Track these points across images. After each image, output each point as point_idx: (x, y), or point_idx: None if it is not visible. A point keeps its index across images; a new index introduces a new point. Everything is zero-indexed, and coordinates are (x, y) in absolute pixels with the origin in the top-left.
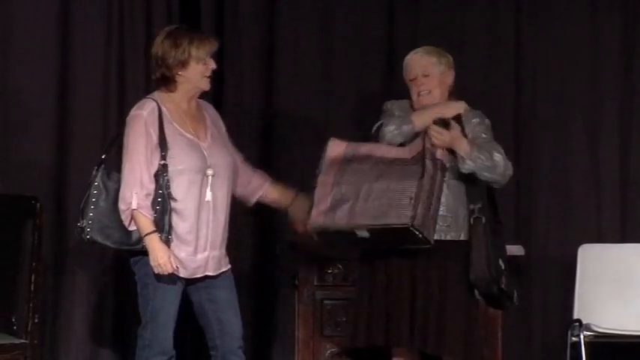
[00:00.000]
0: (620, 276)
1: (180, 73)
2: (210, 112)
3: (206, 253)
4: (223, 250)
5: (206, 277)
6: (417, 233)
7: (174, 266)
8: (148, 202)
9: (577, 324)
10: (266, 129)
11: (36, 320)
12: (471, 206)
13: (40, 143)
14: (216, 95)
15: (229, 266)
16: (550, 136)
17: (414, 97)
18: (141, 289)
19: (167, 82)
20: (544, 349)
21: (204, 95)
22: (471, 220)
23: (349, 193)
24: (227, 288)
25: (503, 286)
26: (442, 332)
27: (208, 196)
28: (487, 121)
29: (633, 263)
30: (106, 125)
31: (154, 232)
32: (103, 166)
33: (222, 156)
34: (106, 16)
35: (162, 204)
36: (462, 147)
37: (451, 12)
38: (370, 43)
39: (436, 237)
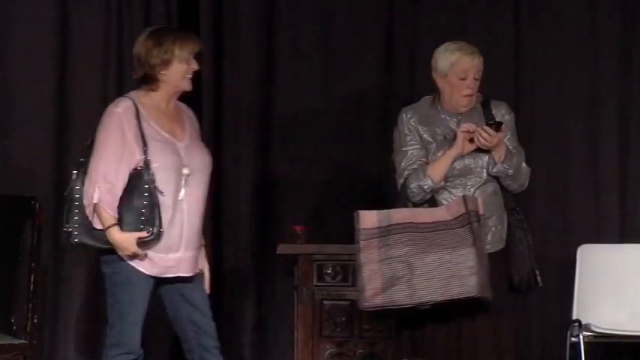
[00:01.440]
0: (620, 276)
1: (162, 72)
2: (188, 114)
3: (179, 254)
4: (199, 250)
5: (178, 277)
6: (481, 297)
7: (144, 235)
8: (111, 198)
9: (576, 324)
10: (265, 128)
11: (35, 320)
12: (511, 210)
13: (39, 144)
14: (215, 94)
15: (205, 264)
16: (549, 136)
17: (454, 94)
18: (109, 288)
19: (149, 81)
20: (543, 350)
21: (202, 95)
22: (513, 224)
23: (401, 269)
24: (199, 289)
25: (539, 281)
26: (499, 343)
27: (181, 194)
28: (513, 115)
29: (632, 264)
30: None
31: (113, 225)
32: (82, 169)
33: (199, 156)
34: (104, 16)
35: (150, 198)
36: (500, 153)
37: (450, 11)
38: (370, 43)
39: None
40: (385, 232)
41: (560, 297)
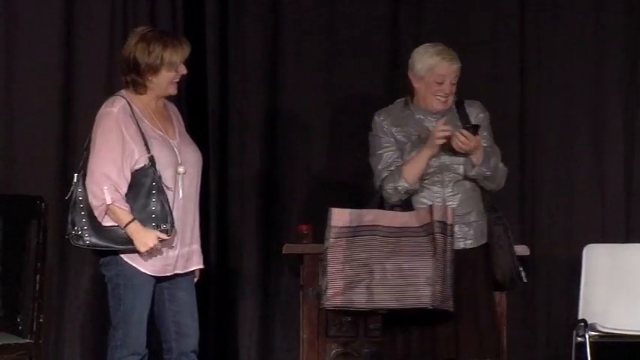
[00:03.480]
0: (625, 276)
1: (150, 78)
2: (173, 109)
3: (176, 251)
4: (193, 247)
5: (175, 275)
6: (438, 308)
7: (166, 237)
8: (119, 195)
9: (582, 324)
10: (269, 129)
11: (41, 320)
12: (488, 207)
13: (45, 144)
14: (221, 95)
15: (200, 266)
16: (554, 135)
17: (429, 96)
18: (112, 290)
19: (136, 85)
20: (549, 350)
21: (208, 99)
22: (491, 221)
23: (362, 272)
24: (188, 289)
25: (523, 278)
26: (480, 338)
27: (181, 194)
28: (487, 114)
29: (638, 263)
30: None
31: (133, 219)
32: (82, 171)
33: (191, 152)
34: (109, 15)
35: (158, 195)
36: (478, 155)
37: (455, 7)
38: (373, 43)
39: (465, 245)
40: (354, 232)
41: (566, 297)
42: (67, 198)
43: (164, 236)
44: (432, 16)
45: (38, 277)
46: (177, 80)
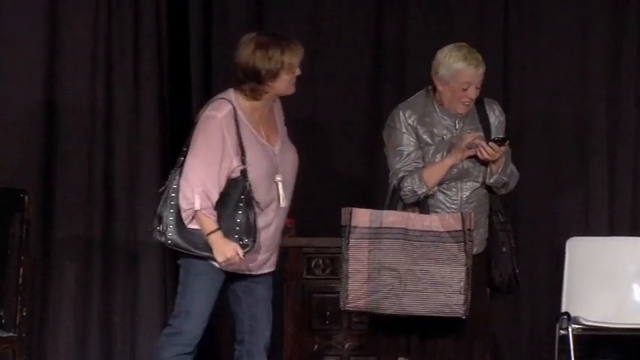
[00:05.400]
0: (608, 269)
1: (269, 83)
2: (278, 108)
3: (259, 255)
4: (275, 253)
5: (248, 275)
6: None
7: (242, 255)
8: (209, 203)
9: (565, 317)
10: None
11: (24, 313)
12: (495, 212)
13: (28, 137)
14: (204, 91)
15: (273, 268)
16: (538, 129)
17: (453, 101)
18: (183, 278)
19: (255, 92)
20: (532, 342)
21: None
22: (498, 226)
23: (388, 277)
24: (265, 284)
25: (518, 280)
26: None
27: (283, 202)
28: (504, 116)
29: (621, 256)
30: (94, 120)
31: (217, 229)
32: (179, 169)
33: (289, 159)
34: (93, 9)
35: (246, 208)
36: (499, 164)
37: (439, 5)
38: (358, 41)
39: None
40: (376, 234)
41: (549, 290)
42: (159, 191)
43: (241, 252)
44: (417, 13)
45: (21, 270)
46: (294, 82)
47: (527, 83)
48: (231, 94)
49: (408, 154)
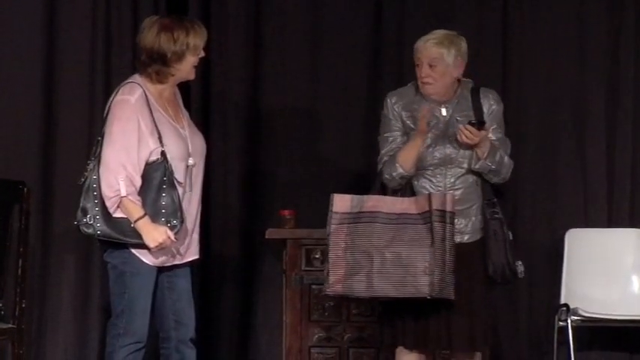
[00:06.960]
0: (607, 261)
1: (175, 66)
2: (177, 93)
3: (179, 242)
4: (194, 236)
5: (173, 265)
6: (437, 297)
7: (173, 237)
8: (133, 189)
9: (564, 309)
10: (253, 119)
11: (23, 305)
12: (487, 201)
13: (27, 128)
14: (203, 85)
15: (197, 256)
16: (537, 122)
17: (419, 81)
18: (116, 277)
19: (160, 75)
20: (531, 334)
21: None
22: (488, 215)
23: (363, 259)
24: (186, 277)
25: (519, 273)
26: (473, 331)
27: (190, 185)
28: (501, 106)
29: (620, 248)
30: (92, 111)
31: (144, 215)
32: (97, 159)
33: (198, 142)
34: (92, 2)
35: (169, 190)
36: (484, 149)
37: (438, 5)
38: (357, 34)
39: (462, 240)
40: (355, 218)
41: (548, 281)
42: (80, 183)
43: (172, 235)
44: (415, 10)
45: (20, 262)
46: (196, 65)
47: (526, 73)
48: (137, 78)
49: (393, 140)
